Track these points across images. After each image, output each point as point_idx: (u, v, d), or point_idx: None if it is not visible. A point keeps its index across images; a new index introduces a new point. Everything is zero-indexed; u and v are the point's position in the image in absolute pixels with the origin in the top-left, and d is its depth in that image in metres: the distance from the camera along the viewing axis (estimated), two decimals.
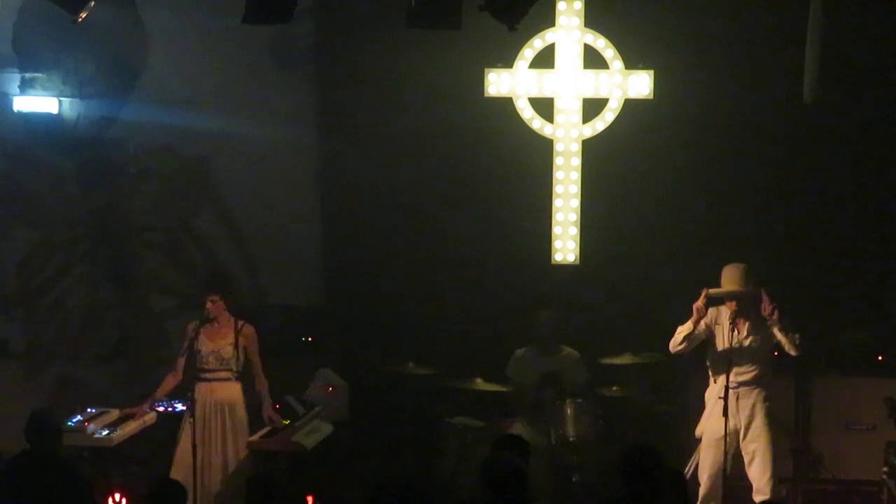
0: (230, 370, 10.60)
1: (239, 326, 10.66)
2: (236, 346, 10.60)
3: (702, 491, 10.47)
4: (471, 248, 12.58)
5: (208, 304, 10.59)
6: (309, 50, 12.93)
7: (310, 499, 10.17)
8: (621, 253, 12.35)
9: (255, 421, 10.80)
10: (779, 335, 10.38)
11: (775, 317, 10.35)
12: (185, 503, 8.38)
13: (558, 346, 12.03)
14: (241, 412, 10.64)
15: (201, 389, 10.51)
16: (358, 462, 11.69)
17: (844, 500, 11.45)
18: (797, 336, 10.37)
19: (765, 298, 10.38)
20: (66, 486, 8.95)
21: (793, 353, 10.46)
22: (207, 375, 10.54)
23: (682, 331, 10.50)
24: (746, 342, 10.42)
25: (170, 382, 10.75)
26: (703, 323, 10.50)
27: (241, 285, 12.70)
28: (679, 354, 10.70)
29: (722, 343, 10.43)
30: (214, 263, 12.88)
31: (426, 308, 12.58)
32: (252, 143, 12.71)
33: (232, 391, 10.62)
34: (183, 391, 10.63)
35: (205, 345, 10.54)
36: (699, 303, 10.42)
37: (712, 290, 10.44)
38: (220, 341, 10.58)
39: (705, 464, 10.50)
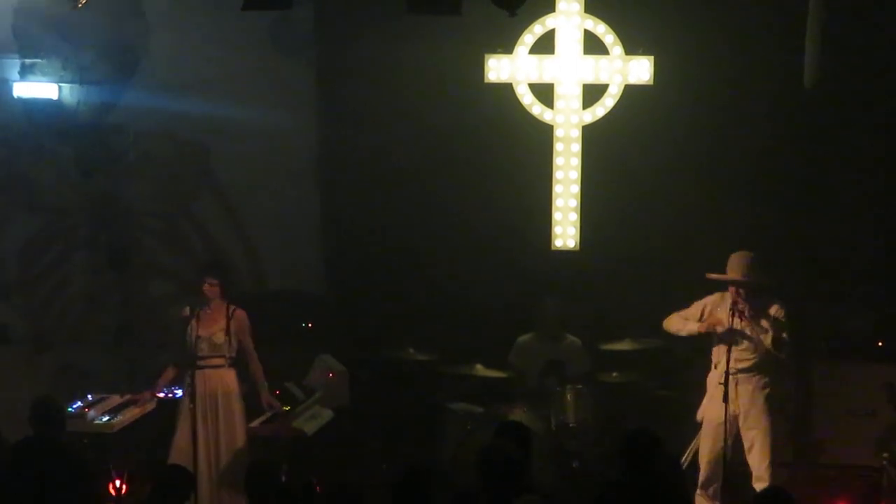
0: (223, 356, 10.59)
1: (230, 312, 10.65)
2: (228, 331, 10.59)
3: (701, 476, 10.49)
4: (471, 234, 12.57)
5: (206, 287, 10.58)
6: (308, 35, 12.92)
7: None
8: (621, 239, 12.34)
9: (254, 407, 10.81)
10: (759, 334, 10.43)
11: (744, 317, 10.36)
12: (192, 489, 8.38)
13: (562, 334, 12.05)
14: (236, 399, 10.63)
15: (196, 376, 10.48)
16: (358, 448, 11.71)
17: (845, 486, 11.45)
18: (770, 336, 10.37)
19: (737, 299, 10.39)
20: (69, 473, 8.95)
21: (774, 352, 10.45)
22: (201, 363, 10.52)
23: (690, 327, 10.57)
24: (747, 329, 10.43)
25: (169, 373, 10.81)
26: (703, 309, 10.55)
27: (241, 271, 12.72)
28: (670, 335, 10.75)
29: (722, 329, 10.43)
30: (214, 249, 12.88)
31: (426, 294, 12.59)
32: (252, 129, 12.70)
33: (225, 378, 10.61)
34: (182, 378, 10.64)
35: (196, 331, 10.50)
36: (703, 328, 10.47)
37: (713, 276, 10.45)
38: (212, 327, 10.57)
39: (705, 449, 10.52)
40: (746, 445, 10.49)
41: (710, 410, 10.49)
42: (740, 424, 10.46)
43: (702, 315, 10.65)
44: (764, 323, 10.43)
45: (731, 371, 10.24)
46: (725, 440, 10.34)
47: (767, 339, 10.39)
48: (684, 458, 10.63)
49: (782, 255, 11.82)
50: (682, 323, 10.68)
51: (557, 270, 12.25)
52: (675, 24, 12.07)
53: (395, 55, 12.40)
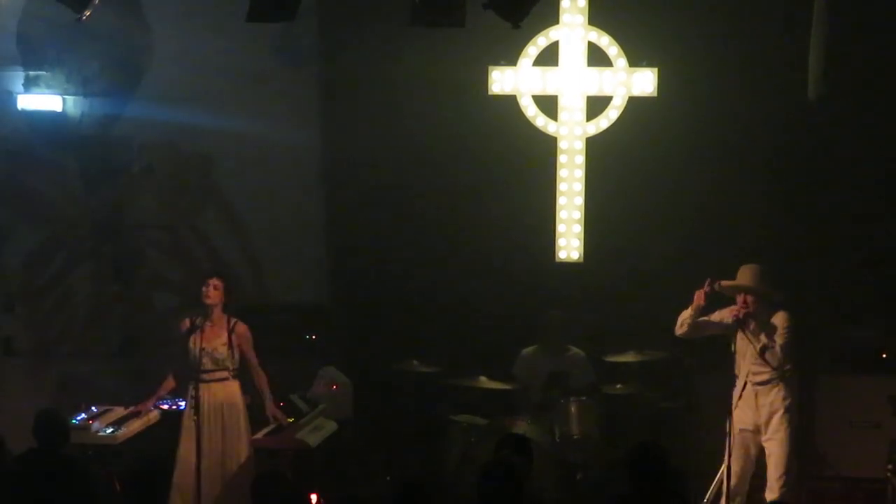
0: (226, 369, 10.56)
1: (232, 325, 10.61)
2: (230, 345, 10.55)
3: (731, 484, 10.42)
4: (474, 246, 12.58)
5: (209, 290, 10.52)
6: (312, 48, 12.92)
7: (313, 497, 10.14)
8: (625, 251, 12.34)
9: (259, 419, 10.80)
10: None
11: (740, 316, 10.32)
12: (155, 493, 8.28)
13: (565, 346, 12.05)
14: (240, 411, 10.59)
15: (200, 390, 10.43)
16: (362, 460, 11.70)
17: (849, 498, 11.44)
18: (761, 346, 10.32)
19: (738, 303, 10.36)
20: (73, 485, 8.94)
21: (758, 357, 10.41)
22: (204, 376, 10.44)
23: (682, 315, 10.52)
24: (758, 342, 10.39)
25: (170, 382, 10.79)
26: (718, 316, 10.50)
27: (245, 283, 12.71)
28: (684, 338, 10.66)
29: (741, 342, 10.43)
30: (218, 261, 12.86)
31: (429, 306, 12.58)
32: (256, 141, 12.69)
33: (229, 391, 10.57)
34: (184, 389, 10.62)
35: (198, 345, 10.43)
36: (702, 291, 10.39)
37: (726, 283, 10.43)
38: (214, 341, 10.52)
39: (735, 457, 10.45)
40: (767, 454, 10.47)
41: (735, 421, 10.42)
42: (762, 435, 10.44)
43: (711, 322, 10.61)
44: (764, 335, 10.41)
45: (752, 382, 10.26)
46: (748, 451, 10.34)
47: (757, 348, 10.36)
48: (708, 494, 10.57)
49: (785, 268, 11.80)
50: (678, 320, 10.61)
51: (561, 282, 12.25)
52: (678, 37, 12.08)
53: (399, 67, 12.41)
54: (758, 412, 10.38)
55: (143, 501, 8.29)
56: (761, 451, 10.48)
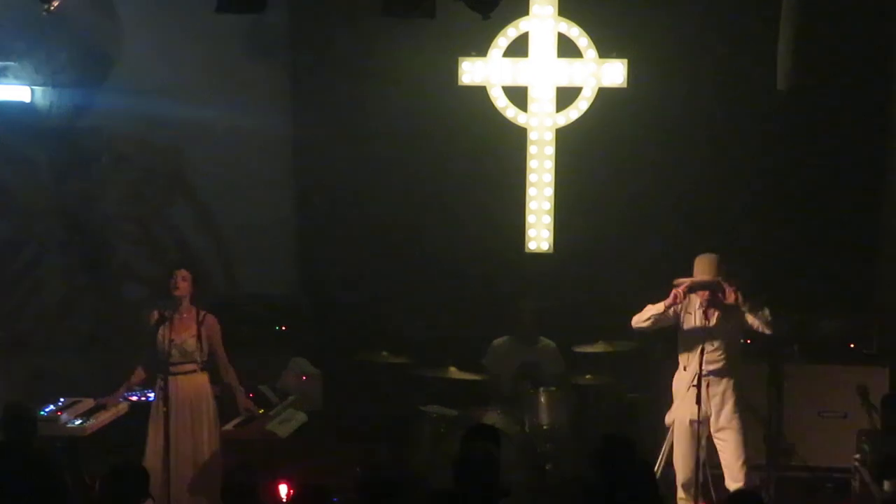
0: (195, 362, 10.49)
1: (201, 317, 10.54)
2: (199, 337, 10.47)
3: (681, 478, 10.45)
4: (445, 237, 12.60)
5: (177, 281, 10.46)
6: (283, 39, 12.91)
7: (283, 487, 10.15)
8: (595, 241, 12.38)
9: (229, 411, 10.78)
10: (750, 318, 10.34)
11: (740, 301, 10.31)
12: (145, 486, 8.24)
13: (537, 336, 12.05)
14: (209, 403, 10.51)
15: (168, 382, 10.35)
16: (332, 451, 11.68)
17: (816, 488, 11.48)
18: (767, 312, 10.32)
19: (726, 288, 10.33)
20: (41, 478, 8.90)
21: (767, 331, 10.33)
22: (172, 369, 10.37)
23: (651, 310, 10.43)
24: (717, 331, 10.38)
25: (140, 374, 10.74)
26: (672, 309, 10.48)
27: (216, 275, 12.70)
28: (639, 332, 10.66)
29: (692, 331, 10.42)
30: (188, 253, 12.84)
31: (400, 297, 12.59)
32: (227, 132, 12.68)
33: (198, 382, 10.49)
34: (154, 381, 10.59)
35: (166, 337, 10.35)
36: (680, 290, 10.37)
37: (680, 280, 10.40)
38: (183, 333, 10.43)
39: (680, 451, 10.48)
40: (719, 446, 10.46)
41: (680, 413, 10.46)
42: (712, 426, 10.43)
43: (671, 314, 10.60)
44: (734, 320, 10.38)
45: (703, 372, 10.23)
46: (699, 442, 10.32)
47: (765, 321, 10.29)
48: (657, 464, 10.60)
49: (754, 258, 11.86)
50: (643, 313, 10.57)
51: (531, 273, 12.26)
52: (649, 28, 12.12)
53: (370, 58, 12.43)
54: (708, 402, 10.36)
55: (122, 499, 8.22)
56: (710, 442, 10.46)
